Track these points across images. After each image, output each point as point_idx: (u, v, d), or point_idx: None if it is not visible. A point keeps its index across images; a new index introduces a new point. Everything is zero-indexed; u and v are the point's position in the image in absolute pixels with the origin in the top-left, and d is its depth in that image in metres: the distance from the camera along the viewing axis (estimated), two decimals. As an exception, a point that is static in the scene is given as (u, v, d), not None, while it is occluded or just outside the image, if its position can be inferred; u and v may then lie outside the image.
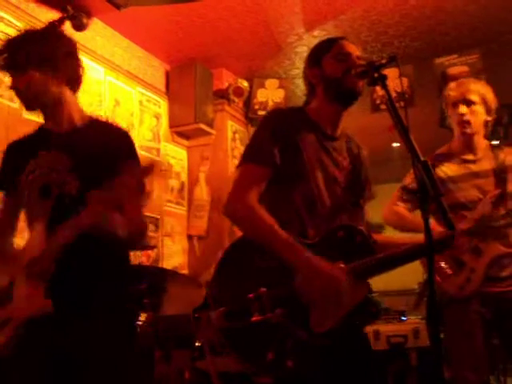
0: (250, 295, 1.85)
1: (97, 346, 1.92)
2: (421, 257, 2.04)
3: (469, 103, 2.83)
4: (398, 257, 1.96)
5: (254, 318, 1.83)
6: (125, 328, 2.05)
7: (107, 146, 2.06)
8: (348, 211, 2.13)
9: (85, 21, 2.03)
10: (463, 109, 2.83)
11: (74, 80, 2.12)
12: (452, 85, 2.97)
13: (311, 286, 1.86)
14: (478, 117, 2.84)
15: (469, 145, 2.89)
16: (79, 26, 2.20)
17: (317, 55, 2.14)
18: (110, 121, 2.28)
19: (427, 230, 1.60)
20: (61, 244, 1.85)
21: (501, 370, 6.30)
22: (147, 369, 3.29)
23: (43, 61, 2.00)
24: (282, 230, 1.91)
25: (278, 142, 2.01)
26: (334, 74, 2.06)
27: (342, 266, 1.93)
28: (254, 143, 2.07)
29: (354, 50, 2.10)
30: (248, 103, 5.83)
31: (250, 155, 2.05)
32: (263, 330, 1.84)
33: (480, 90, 2.85)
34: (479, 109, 2.83)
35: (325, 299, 1.86)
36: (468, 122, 2.83)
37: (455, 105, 2.86)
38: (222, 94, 5.65)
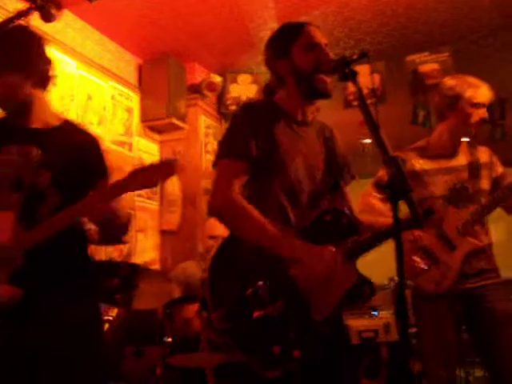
0: (248, 291, 1.85)
1: (57, 340, 1.90)
2: (406, 229, 2.05)
3: (484, 107, 2.85)
4: (385, 232, 1.95)
5: (255, 315, 1.83)
6: (87, 323, 2.03)
7: (79, 147, 2.08)
8: (329, 195, 2.14)
9: (53, 12, 1.99)
10: (484, 112, 2.84)
11: (44, 80, 2.10)
12: (461, 81, 2.91)
13: (311, 272, 1.87)
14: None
15: (451, 142, 2.91)
16: (48, 17, 2.15)
17: (284, 44, 2.09)
18: (81, 124, 2.27)
19: (397, 227, 1.62)
20: (45, 235, 1.86)
21: (468, 362, 6.41)
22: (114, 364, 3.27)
23: (15, 64, 2.00)
24: (267, 221, 1.91)
25: (253, 134, 1.99)
26: (305, 69, 2.04)
27: (333, 248, 1.93)
28: (229, 138, 2.05)
29: (322, 38, 2.08)
30: (221, 98, 5.81)
31: (226, 150, 2.03)
32: (266, 325, 1.84)
33: (489, 91, 2.88)
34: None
35: (324, 285, 1.87)
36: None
37: (473, 106, 2.83)
38: (195, 89, 5.62)
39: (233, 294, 1.85)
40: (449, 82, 2.92)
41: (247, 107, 2.15)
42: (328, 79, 2.01)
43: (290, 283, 1.88)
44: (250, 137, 1.99)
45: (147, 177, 1.88)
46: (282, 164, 2.02)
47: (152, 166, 1.91)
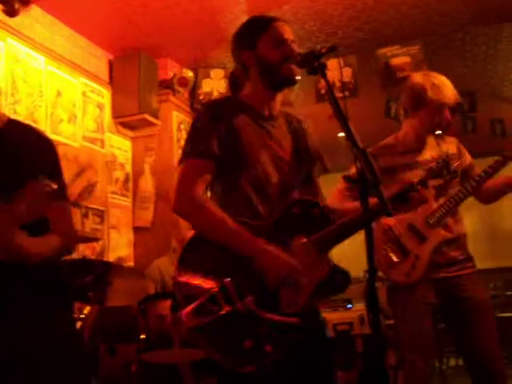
0: (215, 288, 1.84)
1: (26, 340, 1.86)
2: (379, 217, 2.05)
3: (449, 108, 2.87)
4: (356, 221, 1.95)
5: (223, 311, 1.82)
6: (58, 323, 1.99)
7: (29, 148, 1.95)
8: (299, 188, 2.14)
9: (17, 6, 1.95)
10: (448, 115, 2.87)
11: None
12: (429, 81, 2.91)
13: (270, 273, 1.88)
14: None
15: (418, 137, 2.93)
16: (11, 12, 2.11)
17: (251, 37, 2.10)
18: (30, 124, 2.14)
19: (367, 220, 1.63)
20: None
21: (444, 352, 6.51)
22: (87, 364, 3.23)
23: None
24: (232, 220, 1.91)
25: (215, 132, 2.00)
26: (271, 61, 2.04)
27: (304, 240, 1.94)
28: (191, 138, 2.06)
29: (290, 34, 2.09)
30: (193, 93, 5.78)
31: (189, 150, 2.03)
32: (236, 320, 1.83)
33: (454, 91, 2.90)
34: None
35: (288, 282, 1.88)
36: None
37: (440, 107, 2.85)
38: (167, 84, 5.59)
39: (201, 291, 1.85)
40: (415, 79, 2.94)
41: (209, 106, 2.15)
42: (295, 68, 2.01)
43: (257, 278, 1.88)
44: (212, 135, 1.99)
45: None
46: (248, 159, 2.02)
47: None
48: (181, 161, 2.04)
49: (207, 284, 1.86)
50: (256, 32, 2.10)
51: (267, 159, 2.05)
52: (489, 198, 2.96)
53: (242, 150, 2.02)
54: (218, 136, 1.99)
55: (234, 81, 2.22)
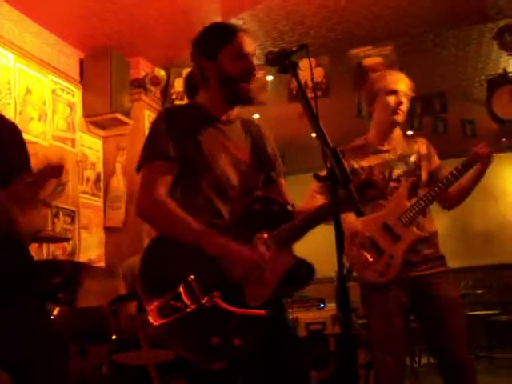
0: (179, 287, 1.84)
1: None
2: (343, 212, 2.06)
3: (397, 93, 2.89)
4: (316, 215, 1.99)
5: (189, 309, 1.82)
6: (28, 322, 1.97)
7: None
8: (261, 189, 2.17)
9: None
10: (402, 98, 2.89)
11: None
12: (378, 75, 3.02)
13: (233, 268, 1.90)
14: (405, 106, 2.93)
15: (386, 135, 2.95)
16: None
17: (213, 48, 2.11)
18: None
19: (336, 218, 1.63)
20: None
21: (416, 350, 6.58)
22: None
23: None
24: (192, 219, 1.92)
25: (171, 137, 2.02)
26: (230, 76, 2.07)
27: (265, 235, 1.96)
28: (147, 143, 2.08)
29: (253, 48, 2.12)
30: (165, 93, 5.74)
31: (147, 155, 2.05)
32: (202, 317, 1.83)
33: (406, 80, 2.92)
34: (405, 99, 2.91)
35: (251, 277, 1.90)
36: (402, 111, 2.90)
37: (387, 94, 2.90)
38: (139, 83, 5.53)
39: (166, 290, 1.84)
40: (370, 78, 3.01)
41: (165, 113, 2.16)
42: (250, 87, 2.07)
43: (221, 274, 1.89)
44: (168, 139, 2.01)
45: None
46: (207, 162, 2.04)
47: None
48: (140, 165, 2.06)
49: (171, 282, 1.85)
50: (218, 43, 2.11)
51: (226, 162, 2.08)
52: (453, 199, 2.97)
53: (200, 153, 2.04)
54: (173, 141, 2.02)
55: (190, 84, 2.23)
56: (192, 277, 1.85)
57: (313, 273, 1.99)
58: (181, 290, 1.84)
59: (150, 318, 1.81)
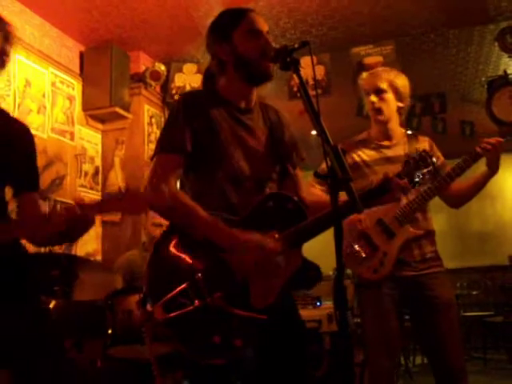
0: (186, 284, 1.83)
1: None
2: (350, 213, 2.06)
3: (379, 91, 2.89)
4: (329, 217, 1.92)
5: (194, 306, 1.81)
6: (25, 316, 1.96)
7: (11, 137, 2.00)
8: (276, 181, 2.14)
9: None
10: (373, 97, 2.90)
11: None
12: (364, 74, 3.05)
13: (244, 260, 1.87)
14: (390, 104, 2.91)
15: (385, 132, 2.96)
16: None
17: (226, 29, 2.08)
18: (11, 114, 2.19)
19: (337, 217, 1.62)
20: None
21: (411, 349, 6.59)
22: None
23: None
24: (204, 211, 1.91)
25: (190, 126, 1.99)
26: (249, 54, 2.03)
27: (276, 235, 1.93)
28: (166, 131, 2.05)
29: (264, 25, 2.09)
30: (165, 87, 5.74)
31: (162, 144, 2.03)
32: (206, 315, 1.83)
33: (389, 78, 2.91)
34: (390, 96, 2.90)
35: (260, 272, 1.87)
36: (380, 110, 2.89)
37: (368, 94, 2.93)
38: (139, 78, 5.53)
39: (172, 287, 1.83)
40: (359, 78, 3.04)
41: (185, 97, 2.13)
42: (269, 64, 2.01)
43: (228, 273, 1.87)
44: (186, 129, 1.99)
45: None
46: (223, 153, 2.01)
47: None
48: (154, 154, 2.03)
49: (178, 279, 1.84)
50: (230, 24, 2.08)
51: (242, 153, 2.05)
52: (459, 198, 2.97)
53: (217, 144, 2.01)
54: (191, 131, 1.99)
55: (209, 76, 2.19)
56: (199, 274, 1.85)
57: (320, 276, 1.95)
58: (188, 286, 1.83)
59: (155, 312, 1.81)
